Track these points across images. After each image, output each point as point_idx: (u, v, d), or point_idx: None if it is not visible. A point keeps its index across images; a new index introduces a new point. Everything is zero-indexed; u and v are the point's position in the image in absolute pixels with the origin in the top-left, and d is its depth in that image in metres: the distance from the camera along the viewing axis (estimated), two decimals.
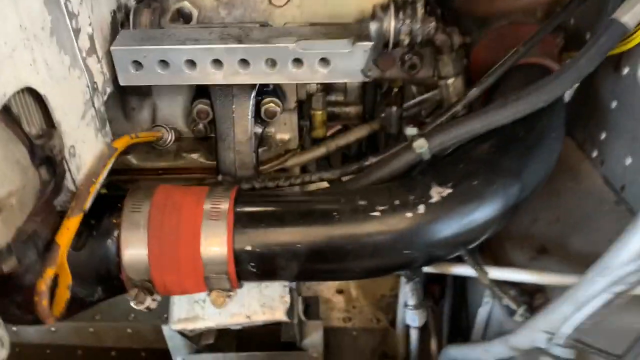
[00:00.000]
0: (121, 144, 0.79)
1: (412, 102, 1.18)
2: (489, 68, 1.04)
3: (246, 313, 0.90)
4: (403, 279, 1.10)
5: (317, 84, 1.04)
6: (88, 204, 0.67)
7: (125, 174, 1.04)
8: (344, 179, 0.94)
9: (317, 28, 0.81)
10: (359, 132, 1.15)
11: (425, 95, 1.17)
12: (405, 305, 1.10)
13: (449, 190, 0.79)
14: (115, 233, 0.75)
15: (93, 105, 0.74)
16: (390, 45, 0.87)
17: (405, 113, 1.15)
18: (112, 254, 0.74)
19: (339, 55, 0.77)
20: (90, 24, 0.73)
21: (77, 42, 0.70)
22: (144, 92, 0.97)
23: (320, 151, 1.14)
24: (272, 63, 0.79)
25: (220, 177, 0.97)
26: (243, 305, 0.91)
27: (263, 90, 0.99)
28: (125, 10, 0.87)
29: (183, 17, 0.91)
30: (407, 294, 1.08)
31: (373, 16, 0.87)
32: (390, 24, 0.85)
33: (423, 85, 1.13)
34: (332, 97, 1.14)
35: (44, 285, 0.58)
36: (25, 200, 0.54)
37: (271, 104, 0.97)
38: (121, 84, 0.80)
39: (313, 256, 0.78)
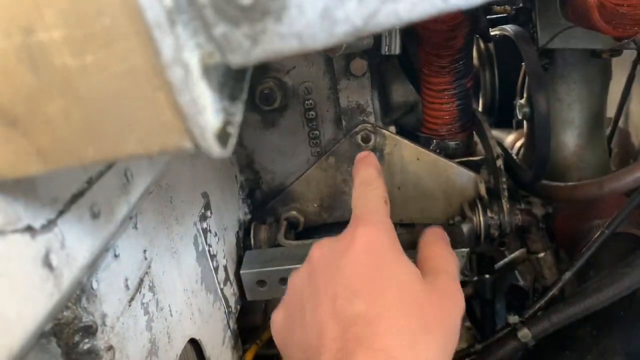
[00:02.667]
0: (251, 355, 0.89)
1: (501, 263, 1.24)
2: (574, 235, 1.10)
3: None
4: None
5: None
6: None
7: None
8: None
9: (414, 235, 0.91)
10: None
11: (513, 255, 1.23)
12: None
13: None
14: None
15: (229, 328, 0.86)
16: (482, 239, 0.95)
17: (497, 275, 1.21)
18: None
19: None
20: (224, 257, 0.87)
21: (217, 278, 0.82)
22: None
23: None
24: None
25: None
26: None
27: None
28: (243, 226, 1.01)
29: (291, 225, 1.04)
30: None
31: (462, 215, 0.96)
32: (480, 221, 0.94)
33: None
34: None
35: None
36: None
37: None
38: (248, 299, 0.92)
39: None
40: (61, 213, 0.34)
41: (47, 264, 0.32)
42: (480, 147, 1.10)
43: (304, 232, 1.06)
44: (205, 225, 0.80)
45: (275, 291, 0.91)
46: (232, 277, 0.89)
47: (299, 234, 1.05)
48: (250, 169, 1.05)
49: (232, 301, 0.88)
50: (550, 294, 0.93)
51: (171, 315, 0.65)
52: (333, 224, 1.07)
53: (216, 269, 0.83)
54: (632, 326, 0.89)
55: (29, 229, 0.31)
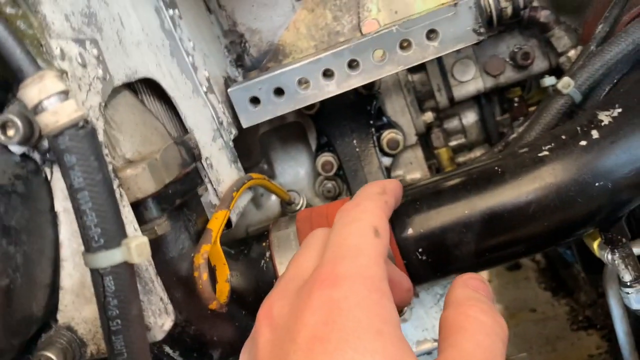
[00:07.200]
0: (257, 176, 0.76)
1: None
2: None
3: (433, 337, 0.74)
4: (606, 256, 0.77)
5: (431, 110, 1.01)
6: (233, 206, 0.63)
7: None
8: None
9: (412, 17, 0.81)
10: None
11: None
12: (622, 285, 0.72)
13: (619, 110, 0.68)
14: (267, 254, 0.69)
15: (221, 136, 0.74)
16: (495, 20, 0.83)
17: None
18: (267, 273, 0.67)
19: (445, 20, 0.75)
20: (206, 69, 0.77)
21: (196, 76, 0.73)
22: (266, 161, 0.98)
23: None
24: (381, 54, 0.77)
25: None
26: (426, 329, 0.75)
27: (380, 125, 0.97)
28: (233, 82, 0.92)
29: None
30: (616, 268, 0.72)
31: None
32: None
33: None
34: (453, 142, 1.10)
35: (201, 259, 0.51)
36: (168, 161, 0.51)
37: (391, 134, 0.94)
38: (244, 126, 0.81)
39: (488, 225, 0.66)
40: None
41: None
42: None
43: None
44: (171, 12, 0.72)
45: (271, 108, 0.80)
46: (219, 96, 0.79)
47: None
48: (234, 32, 0.98)
49: (222, 117, 0.77)
50: (588, 50, 0.79)
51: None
52: None
53: (195, 68, 0.73)
54: None
55: None
